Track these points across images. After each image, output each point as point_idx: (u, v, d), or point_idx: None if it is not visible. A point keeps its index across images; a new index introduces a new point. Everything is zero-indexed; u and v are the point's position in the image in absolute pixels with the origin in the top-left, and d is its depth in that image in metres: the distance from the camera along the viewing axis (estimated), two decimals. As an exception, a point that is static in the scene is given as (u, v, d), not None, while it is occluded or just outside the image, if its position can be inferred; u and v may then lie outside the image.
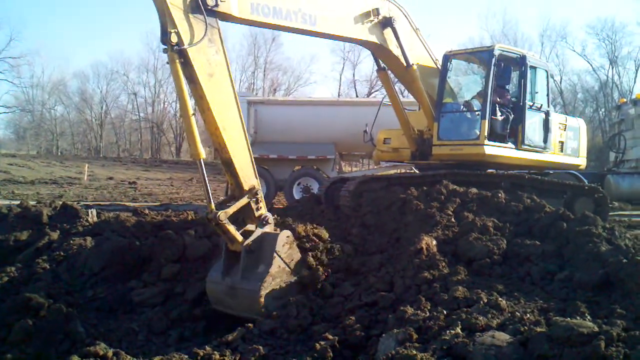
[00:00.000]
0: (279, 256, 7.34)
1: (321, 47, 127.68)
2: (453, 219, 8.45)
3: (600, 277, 6.41)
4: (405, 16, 11.27)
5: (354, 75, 71.79)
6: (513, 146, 11.24)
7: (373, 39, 10.44)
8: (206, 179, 7.24)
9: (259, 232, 7.47)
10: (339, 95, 64.56)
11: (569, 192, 11.37)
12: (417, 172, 12.74)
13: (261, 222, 7.64)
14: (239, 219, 7.48)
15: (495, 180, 10.71)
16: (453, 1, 77.51)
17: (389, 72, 12.04)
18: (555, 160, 12.18)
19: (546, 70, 12.17)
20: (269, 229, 7.67)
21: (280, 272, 7.29)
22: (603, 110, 59.66)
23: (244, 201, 7.50)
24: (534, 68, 11.64)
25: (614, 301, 5.92)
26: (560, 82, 62.80)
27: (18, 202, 10.95)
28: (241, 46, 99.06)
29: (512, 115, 11.26)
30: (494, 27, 79.67)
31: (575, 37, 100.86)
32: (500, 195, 9.16)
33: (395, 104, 12.01)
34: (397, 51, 10.85)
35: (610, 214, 12.99)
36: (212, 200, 7.12)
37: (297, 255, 7.58)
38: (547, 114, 11.77)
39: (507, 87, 11.74)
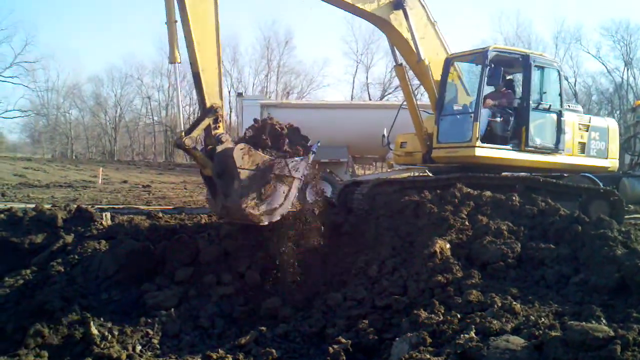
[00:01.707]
0: (243, 168, 7.89)
1: (334, 50, 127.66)
2: (467, 223, 8.40)
3: (615, 280, 6.36)
4: (423, 5, 11.34)
5: (367, 78, 71.74)
6: (513, 148, 11.13)
7: (382, 14, 10.55)
8: (179, 86, 9.68)
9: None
10: (352, 99, 64.57)
11: (584, 195, 11.29)
12: (431, 175, 12.70)
13: (217, 141, 8.16)
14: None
15: (510, 183, 10.66)
16: (466, 3, 77.37)
17: (407, 67, 12.08)
18: (573, 162, 11.93)
19: (558, 70, 11.92)
20: (226, 145, 8.15)
21: (252, 178, 7.92)
22: (618, 112, 59.14)
23: (205, 122, 8.10)
24: (541, 68, 11.51)
25: (630, 305, 5.88)
26: (575, 84, 62.37)
27: (33, 205, 11.01)
28: (254, 49, 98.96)
29: (515, 117, 11.21)
30: (508, 29, 79.03)
31: (590, 39, 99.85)
32: (514, 198, 9.11)
33: (410, 103, 12.02)
34: (407, 34, 10.91)
35: (626, 217, 12.90)
36: (182, 126, 8.15)
37: (260, 157, 8.18)
38: (559, 114, 11.55)
39: (514, 88, 11.75)
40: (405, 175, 14.28)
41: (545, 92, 11.64)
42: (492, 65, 10.98)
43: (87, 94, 76.33)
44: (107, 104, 75.99)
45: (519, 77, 12.19)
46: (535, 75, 11.46)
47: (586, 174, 12.45)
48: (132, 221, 9.90)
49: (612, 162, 12.69)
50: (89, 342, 6.43)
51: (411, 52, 11.22)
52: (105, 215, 10.30)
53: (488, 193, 9.37)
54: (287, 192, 8.52)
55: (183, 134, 7.79)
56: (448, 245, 7.67)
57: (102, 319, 6.94)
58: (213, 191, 8.14)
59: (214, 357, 6.19)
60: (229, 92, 70.26)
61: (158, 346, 6.65)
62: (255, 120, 9.66)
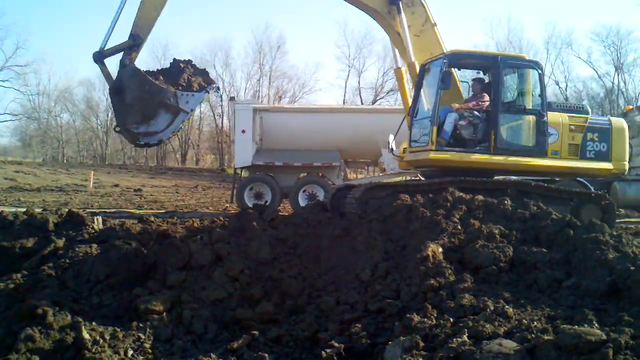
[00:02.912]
0: (131, 88, 9.50)
1: (326, 54, 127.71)
2: (459, 227, 8.42)
3: (607, 284, 6.38)
4: (423, 5, 11.46)
5: (359, 82, 72.03)
6: (482, 151, 11.25)
7: (376, 6, 10.81)
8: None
9: None
10: (344, 103, 64.71)
11: (576, 200, 11.34)
12: (423, 179, 12.74)
13: (122, 64, 9.94)
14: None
15: (502, 187, 10.70)
16: (458, 8, 77.58)
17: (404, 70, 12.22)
18: (564, 165, 11.72)
19: (538, 71, 11.73)
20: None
21: (138, 99, 9.35)
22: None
23: (124, 44, 10.01)
24: (516, 69, 11.58)
25: (622, 309, 5.89)
26: (566, 89, 62.78)
27: (24, 209, 10.96)
28: (246, 54, 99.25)
29: (486, 119, 11.31)
30: (499, 34, 79.56)
31: (581, 44, 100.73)
32: (506, 202, 9.14)
33: (406, 105, 12.13)
34: (400, 30, 11.11)
35: (617, 221, 12.95)
36: (105, 43, 10.06)
37: (150, 83, 9.53)
38: (538, 115, 11.42)
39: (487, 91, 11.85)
40: (398, 179, 14.32)
41: (521, 94, 11.64)
42: (444, 69, 11.21)
43: (79, 98, 76.32)
44: (99, 107, 75.97)
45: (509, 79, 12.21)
46: (509, 76, 11.55)
47: (579, 179, 12.51)
48: (124, 225, 9.88)
49: (617, 165, 12.08)
50: (80, 347, 6.38)
51: (404, 47, 11.42)
52: (97, 219, 10.26)
53: (480, 197, 9.40)
54: (171, 121, 9.53)
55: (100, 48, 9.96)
56: (440, 249, 7.68)
57: (93, 324, 6.89)
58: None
59: (206, 361, 6.17)
60: (221, 96, 70.31)
61: (150, 351, 6.61)
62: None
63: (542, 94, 11.57)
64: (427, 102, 12.26)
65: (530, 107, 11.61)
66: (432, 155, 11.31)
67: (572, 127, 11.75)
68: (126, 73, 9.51)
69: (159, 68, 10.49)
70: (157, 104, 9.47)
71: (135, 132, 9.48)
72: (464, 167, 11.30)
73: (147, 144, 9.73)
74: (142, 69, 9.70)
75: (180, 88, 9.92)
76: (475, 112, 11.54)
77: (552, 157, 11.58)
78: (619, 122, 12.56)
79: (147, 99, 9.44)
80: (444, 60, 11.35)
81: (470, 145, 11.35)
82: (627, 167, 12.29)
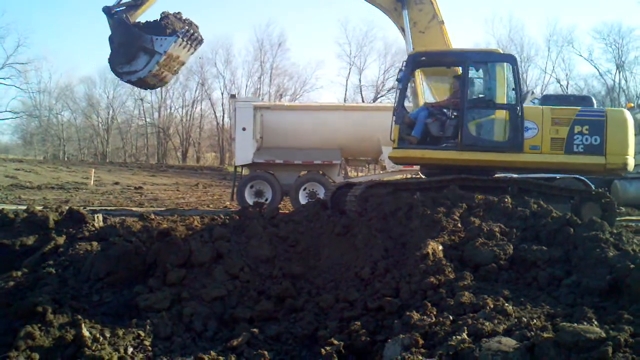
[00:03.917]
0: (118, 35, 11.87)
1: (327, 52, 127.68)
2: (459, 224, 8.42)
3: (607, 282, 6.38)
4: (432, 2, 11.57)
5: (360, 80, 72.01)
6: (449, 147, 11.29)
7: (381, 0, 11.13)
8: None
9: None
10: (345, 101, 64.69)
11: (576, 198, 11.33)
12: (424, 177, 12.74)
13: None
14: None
15: (502, 185, 10.69)
16: (460, 5, 77.51)
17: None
18: (546, 160, 11.20)
19: (511, 65, 11.31)
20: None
21: (123, 44, 11.82)
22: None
23: (129, 2, 12.15)
24: (486, 64, 11.49)
25: (622, 307, 5.89)
26: (567, 87, 62.70)
27: (25, 207, 10.98)
28: (247, 52, 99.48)
29: (455, 116, 11.36)
30: (501, 32, 79.44)
31: (582, 42, 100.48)
32: (507, 200, 9.13)
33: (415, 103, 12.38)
34: (404, 25, 11.34)
35: (618, 219, 12.93)
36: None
37: (131, 31, 11.99)
38: (512, 109, 11.09)
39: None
40: (398, 177, 14.32)
41: (494, 89, 11.40)
42: (402, 68, 11.49)
43: (79, 96, 76.37)
44: (100, 105, 76.02)
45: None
46: (479, 71, 11.52)
47: (579, 177, 12.48)
48: (124, 223, 9.89)
49: (613, 159, 11.20)
50: (80, 344, 6.39)
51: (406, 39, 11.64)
52: (97, 217, 10.29)
53: (481, 195, 9.40)
54: (148, 62, 11.70)
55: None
56: (440, 247, 7.68)
57: (93, 321, 6.90)
58: None
59: (206, 359, 6.18)
60: (222, 94, 70.35)
61: (150, 348, 6.62)
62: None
63: (517, 88, 11.12)
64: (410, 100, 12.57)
65: (505, 102, 11.31)
66: (394, 153, 11.62)
67: (556, 120, 11.21)
68: (114, 23, 11.82)
69: (148, 21, 12.43)
70: (137, 47, 11.73)
71: (120, 72, 11.95)
72: (432, 164, 11.54)
73: (129, 81, 12.23)
74: (128, 22, 11.91)
75: (156, 33, 12.08)
76: (444, 110, 11.67)
77: (531, 152, 11.12)
78: (618, 113, 11.69)
79: (129, 43, 11.73)
80: (404, 60, 11.55)
81: (438, 142, 11.44)
82: (630, 162, 11.33)
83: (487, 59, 11.59)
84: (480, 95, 11.47)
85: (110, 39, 12.13)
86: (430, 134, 11.50)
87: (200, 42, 12.82)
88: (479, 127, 11.28)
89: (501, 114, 11.26)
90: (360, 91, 70.85)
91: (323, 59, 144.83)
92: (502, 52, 11.65)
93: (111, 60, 11.89)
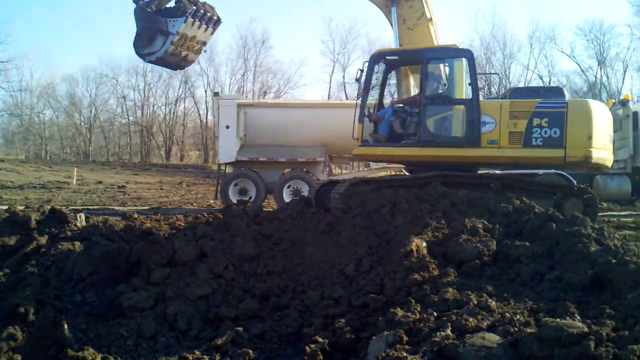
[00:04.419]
0: (140, 19, 13.33)
1: (311, 49, 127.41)
2: (443, 221, 8.45)
3: (589, 277, 6.43)
4: (422, 0, 11.72)
5: (344, 77, 71.86)
6: (409, 144, 11.45)
7: None
8: None
9: None
10: (329, 98, 64.65)
11: (559, 193, 11.40)
12: (407, 174, 12.78)
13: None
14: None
15: (485, 181, 10.75)
16: (443, 3, 77.69)
17: None
18: (501, 154, 10.97)
19: (467, 59, 11.23)
20: None
21: (144, 29, 13.22)
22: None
23: None
24: (443, 60, 11.67)
25: (604, 301, 5.93)
26: (550, 83, 63.06)
27: (6, 207, 10.87)
28: (231, 49, 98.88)
29: (416, 113, 11.48)
30: (484, 29, 79.72)
31: (564, 39, 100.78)
32: (489, 196, 9.18)
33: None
34: (393, 21, 11.56)
35: (599, 214, 13.03)
36: None
37: (150, 16, 13.14)
38: (468, 104, 11.04)
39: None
40: (382, 174, 14.33)
41: (452, 84, 11.47)
42: (362, 68, 11.84)
43: (61, 94, 75.58)
44: (82, 104, 75.37)
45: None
46: (436, 68, 11.62)
47: (561, 172, 12.56)
48: (107, 222, 9.82)
49: (574, 152, 10.70)
50: (63, 345, 6.35)
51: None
52: (80, 216, 10.19)
53: (464, 191, 9.43)
54: (164, 42, 12.82)
55: None
56: (424, 244, 7.70)
57: (76, 321, 6.86)
58: None
59: (190, 358, 6.16)
60: (205, 92, 70.08)
61: (133, 348, 6.59)
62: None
63: (473, 83, 11.09)
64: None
65: (464, 97, 11.27)
66: (357, 150, 12.05)
67: (515, 113, 10.90)
68: (136, 12, 13.11)
69: (167, 7, 13.54)
70: (155, 30, 12.93)
71: (142, 53, 13.22)
72: (394, 161, 12.06)
73: (150, 61, 13.70)
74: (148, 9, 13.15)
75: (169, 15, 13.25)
76: (406, 107, 11.87)
77: (489, 147, 10.91)
78: (581, 103, 11.35)
79: (148, 27, 12.95)
80: (365, 61, 11.86)
81: (401, 139, 11.63)
82: (593, 154, 10.76)
83: (444, 55, 11.69)
84: (440, 92, 11.49)
85: (136, 24, 13.49)
86: (393, 131, 11.71)
87: (217, 21, 13.71)
88: (437, 123, 11.36)
89: (459, 109, 11.21)
90: (344, 88, 70.82)
91: (307, 57, 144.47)
92: (460, 47, 11.61)
93: (135, 44, 13.22)
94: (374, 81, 12.38)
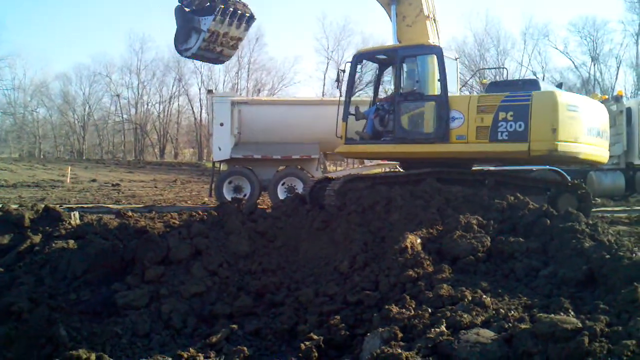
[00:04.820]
0: (178, 19, 13.78)
1: (305, 47, 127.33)
2: (437, 217, 8.46)
3: (583, 273, 6.45)
4: None
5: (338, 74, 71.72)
6: (386, 141, 11.71)
7: None
8: None
9: None
10: (323, 95, 64.56)
11: (553, 189, 11.43)
12: (402, 170, 12.79)
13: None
14: None
15: (480, 178, 10.76)
16: (437, 0, 77.55)
17: None
18: (469, 149, 10.78)
19: (436, 55, 11.22)
20: None
21: (180, 27, 13.72)
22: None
23: None
24: (415, 57, 11.66)
25: (598, 297, 5.96)
26: (543, 80, 63.14)
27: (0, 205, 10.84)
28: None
29: (389, 112, 11.74)
30: (477, 26, 79.87)
31: (558, 35, 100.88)
32: (484, 192, 9.19)
33: None
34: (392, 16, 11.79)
35: (593, 210, 13.07)
36: None
37: (187, 15, 13.62)
38: (437, 100, 11.01)
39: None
40: (377, 171, 14.35)
41: (424, 81, 11.45)
42: (342, 68, 12.62)
43: (55, 92, 75.18)
44: (76, 102, 74.98)
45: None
46: (409, 65, 11.68)
47: (555, 168, 12.59)
48: (101, 220, 9.81)
49: (539, 145, 10.22)
50: (57, 344, 6.34)
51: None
52: (74, 214, 10.17)
53: (458, 188, 9.44)
54: (197, 39, 13.36)
55: None
56: (419, 240, 7.71)
57: (71, 320, 6.85)
58: None
59: (185, 356, 6.14)
60: (199, 89, 69.91)
61: (128, 346, 6.57)
62: None
63: (442, 79, 11.03)
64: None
65: (435, 93, 11.22)
66: (341, 148, 12.48)
67: (482, 108, 10.64)
68: (175, 12, 13.69)
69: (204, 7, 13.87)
70: (190, 28, 13.54)
71: (180, 49, 13.90)
72: (375, 158, 12.61)
73: (187, 56, 14.34)
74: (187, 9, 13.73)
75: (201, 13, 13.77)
76: (385, 105, 12.01)
77: (457, 142, 10.77)
78: (546, 95, 10.61)
79: (185, 25, 13.57)
80: (347, 62, 12.43)
81: (380, 136, 11.87)
82: (558, 147, 10.19)
83: (415, 53, 11.68)
84: (414, 89, 11.50)
85: (176, 22, 14.06)
86: (375, 129, 11.98)
87: (249, 18, 14.13)
88: (410, 120, 11.42)
89: (430, 106, 11.19)
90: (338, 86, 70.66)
91: (301, 54, 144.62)
92: (430, 44, 11.65)
93: (175, 41, 14.02)
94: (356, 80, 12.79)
